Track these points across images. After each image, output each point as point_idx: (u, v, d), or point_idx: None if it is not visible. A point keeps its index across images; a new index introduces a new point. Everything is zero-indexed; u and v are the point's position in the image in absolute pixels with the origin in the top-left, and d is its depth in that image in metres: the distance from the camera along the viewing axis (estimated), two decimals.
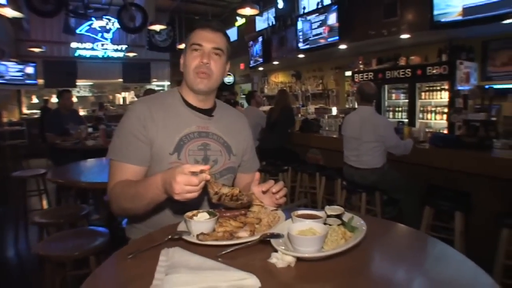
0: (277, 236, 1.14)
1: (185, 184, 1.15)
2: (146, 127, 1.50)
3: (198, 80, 1.54)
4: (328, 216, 1.25)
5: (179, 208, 1.52)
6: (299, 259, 1.05)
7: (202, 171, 1.17)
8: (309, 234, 1.09)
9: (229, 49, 1.63)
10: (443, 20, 4.89)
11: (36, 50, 10.37)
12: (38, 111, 11.85)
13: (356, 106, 4.07)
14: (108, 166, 1.54)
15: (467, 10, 4.61)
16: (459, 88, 5.21)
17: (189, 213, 1.26)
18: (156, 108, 1.55)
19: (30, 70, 11.19)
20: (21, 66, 10.94)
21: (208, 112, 1.65)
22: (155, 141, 1.50)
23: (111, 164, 1.52)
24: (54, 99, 12.21)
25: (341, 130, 4.14)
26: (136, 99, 13.43)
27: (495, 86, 4.65)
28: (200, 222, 1.21)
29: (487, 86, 4.51)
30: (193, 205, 1.53)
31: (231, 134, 1.70)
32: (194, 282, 0.91)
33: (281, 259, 1.03)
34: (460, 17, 4.71)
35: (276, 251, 1.07)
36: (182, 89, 1.65)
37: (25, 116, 11.54)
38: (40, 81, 11.54)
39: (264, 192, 1.49)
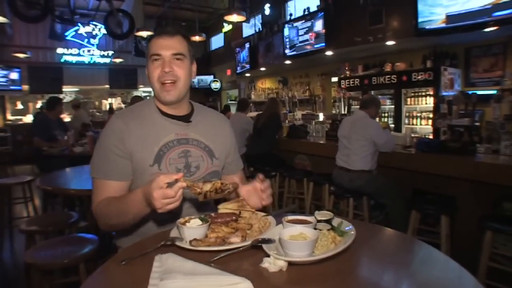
0: (269, 241, 1.16)
1: (163, 199, 1.18)
2: (123, 141, 1.49)
3: (165, 93, 1.53)
4: (318, 221, 1.28)
5: (166, 216, 1.52)
6: (290, 263, 1.07)
7: (176, 180, 1.20)
8: (300, 239, 1.12)
9: (191, 51, 1.60)
10: (427, 27, 5.00)
11: (21, 55, 10.24)
12: (22, 117, 11.71)
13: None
14: (92, 184, 1.53)
15: (450, 18, 4.73)
16: (444, 94, 5.31)
17: (181, 220, 1.28)
18: (132, 121, 1.54)
19: (14, 75, 11.07)
20: (5, 72, 10.81)
21: (185, 118, 1.64)
22: (134, 154, 1.49)
23: (93, 182, 1.52)
24: (38, 105, 12.08)
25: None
26: (123, 105, 13.34)
27: (478, 92, 4.75)
28: (193, 228, 1.23)
29: (470, 92, 4.60)
30: (178, 212, 1.54)
31: (212, 137, 1.69)
32: (189, 287, 0.92)
33: (273, 263, 1.05)
34: (443, 25, 4.83)
35: (268, 255, 1.09)
36: (156, 99, 1.63)
37: (9, 122, 11.38)
38: (25, 87, 11.40)
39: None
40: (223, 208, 1.46)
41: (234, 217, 1.36)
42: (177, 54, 1.52)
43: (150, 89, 13.48)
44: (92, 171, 1.52)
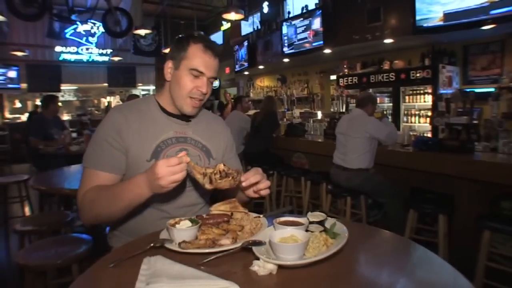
0: (259, 243, 1.14)
1: (167, 166, 1.18)
2: (121, 134, 1.48)
3: (190, 108, 1.54)
4: (310, 222, 1.26)
5: (160, 216, 1.52)
6: (280, 267, 1.05)
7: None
8: (290, 241, 1.10)
9: None
10: (425, 25, 4.97)
11: (19, 53, 10.18)
12: (20, 115, 11.68)
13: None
14: (82, 173, 1.51)
15: (447, 16, 4.70)
16: (442, 91, 5.29)
17: (171, 221, 1.26)
18: (132, 115, 1.53)
19: (12, 74, 11.03)
20: (3, 70, 10.77)
21: (185, 117, 1.63)
22: (131, 148, 1.48)
23: (84, 172, 1.50)
24: (37, 103, 12.04)
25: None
26: (121, 103, 13.32)
27: (476, 90, 4.73)
28: (182, 230, 1.21)
29: (468, 90, 4.58)
30: (176, 209, 1.54)
31: (210, 137, 1.69)
32: None
33: (262, 266, 1.03)
34: (441, 23, 4.80)
35: (258, 258, 1.07)
36: (160, 97, 1.62)
37: (7, 121, 11.34)
38: (23, 85, 11.36)
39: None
40: (215, 209, 1.44)
41: (225, 218, 1.34)
42: (213, 78, 1.54)
43: (148, 87, 13.49)
44: (84, 160, 1.50)
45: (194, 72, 1.49)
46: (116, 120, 1.50)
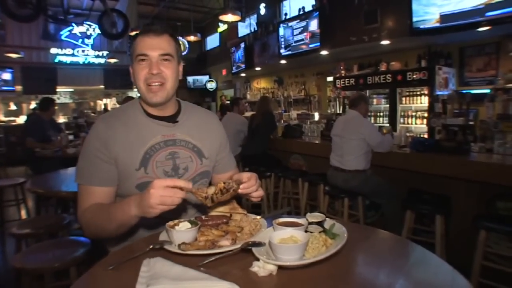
0: (259, 244, 1.14)
1: (164, 186, 1.15)
2: (107, 146, 1.44)
3: (151, 94, 1.47)
4: (310, 223, 1.26)
5: (157, 219, 1.50)
6: (280, 268, 1.05)
7: (181, 189, 1.18)
8: (290, 242, 1.10)
9: (179, 50, 1.55)
10: (421, 27, 5.00)
11: (14, 55, 10.12)
12: (15, 118, 11.62)
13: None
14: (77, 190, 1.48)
15: (444, 18, 4.74)
16: (438, 93, 5.32)
17: (170, 223, 1.26)
18: (116, 124, 1.49)
19: (7, 76, 10.98)
20: None
21: (172, 119, 1.58)
22: (119, 159, 1.44)
23: (78, 188, 1.47)
24: (32, 106, 11.99)
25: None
26: (118, 105, 13.28)
27: (472, 91, 4.76)
28: (182, 232, 1.21)
29: (464, 91, 4.60)
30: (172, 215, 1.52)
31: (201, 136, 1.63)
32: None
33: (262, 267, 1.04)
34: (437, 24, 4.84)
35: (257, 259, 1.07)
36: (141, 100, 1.58)
37: (2, 123, 11.27)
38: (18, 88, 11.31)
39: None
40: (214, 210, 1.44)
41: (224, 220, 1.34)
42: (165, 55, 1.47)
43: None
44: (76, 177, 1.47)
45: (140, 58, 1.45)
46: (101, 131, 1.46)
